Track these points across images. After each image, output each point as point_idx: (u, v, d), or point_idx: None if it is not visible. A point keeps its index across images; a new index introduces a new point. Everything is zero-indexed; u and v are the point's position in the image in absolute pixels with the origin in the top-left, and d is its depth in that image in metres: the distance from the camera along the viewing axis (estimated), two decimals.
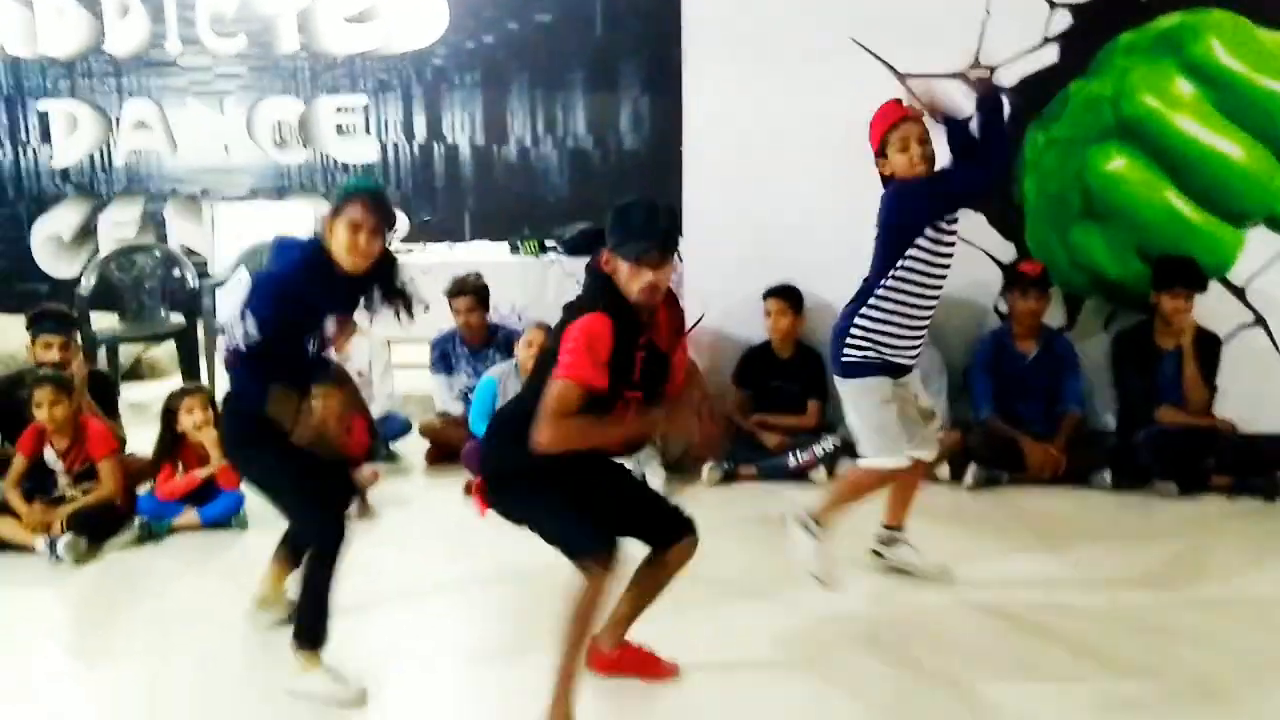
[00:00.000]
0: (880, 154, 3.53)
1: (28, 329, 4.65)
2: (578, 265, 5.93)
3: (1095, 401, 5.05)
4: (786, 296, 5.03)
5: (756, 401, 5.15)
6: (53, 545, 3.97)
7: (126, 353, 6.70)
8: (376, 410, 5.20)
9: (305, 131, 7.58)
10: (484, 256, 6.18)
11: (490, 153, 7.65)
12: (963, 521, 4.40)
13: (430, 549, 4.18)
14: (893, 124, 3.48)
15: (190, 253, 7.59)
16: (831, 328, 3.70)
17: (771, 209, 5.14)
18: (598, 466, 2.89)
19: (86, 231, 7.64)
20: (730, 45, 5.05)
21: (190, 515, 4.30)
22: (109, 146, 7.56)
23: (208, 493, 4.35)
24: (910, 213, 3.44)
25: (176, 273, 6.54)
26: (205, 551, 4.18)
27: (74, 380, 4.34)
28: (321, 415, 3.09)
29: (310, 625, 3.02)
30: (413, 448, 5.27)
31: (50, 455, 4.23)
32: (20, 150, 7.55)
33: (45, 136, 7.52)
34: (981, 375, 4.94)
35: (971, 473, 4.72)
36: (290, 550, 3.39)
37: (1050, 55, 4.87)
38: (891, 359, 3.49)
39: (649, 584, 2.96)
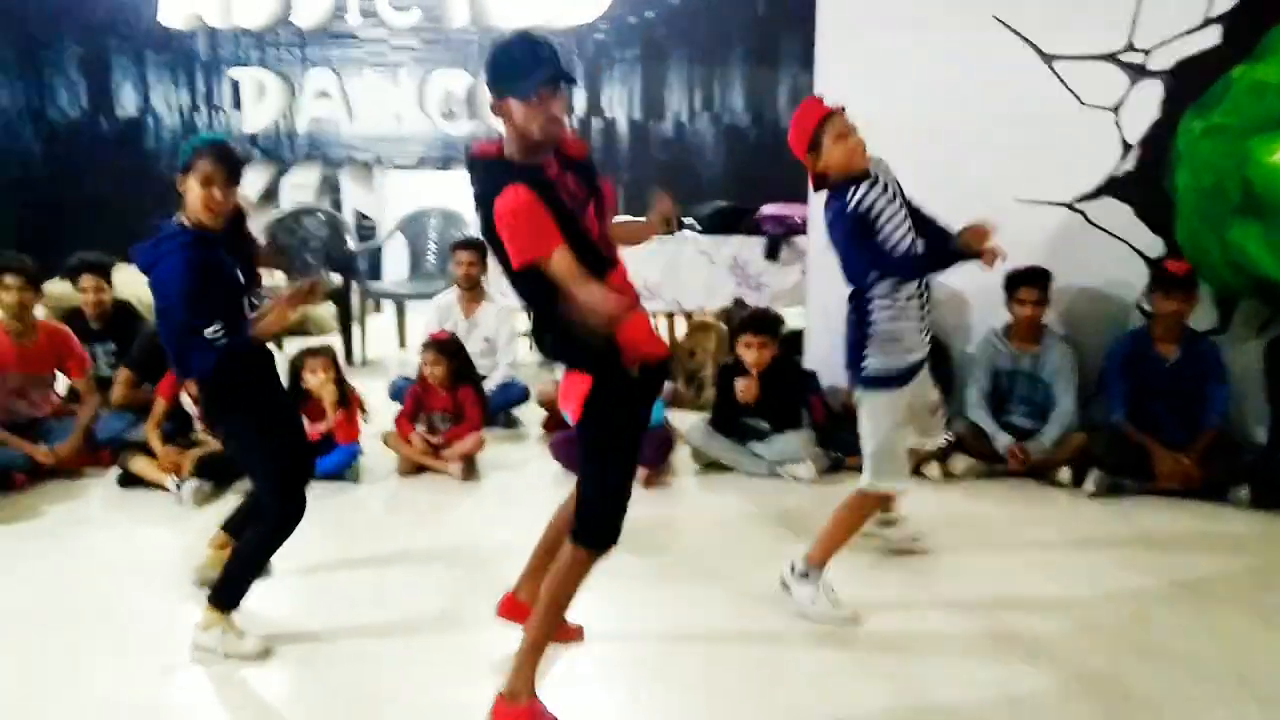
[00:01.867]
0: (811, 149, 3.29)
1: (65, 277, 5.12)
2: (712, 244, 5.95)
3: (1245, 413, 4.68)
4: None
5: None
6: (179, 487, 4.29)
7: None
8: (498, 377, 5.35)
9: (472, 104, 7.83)
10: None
11: (647, 128, 7.69)
12: (1075, 527, 4.16)
13: (532, 510, 4.29)
14: (824, 116, 3.27)
15: (363, 217, 8.01)
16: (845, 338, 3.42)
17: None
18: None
19: (270, 193, 8.14)
20: (864, 20, 4.90)
21: None
22: (292, 113, 8.01)
23: (327, 445, 4.59)
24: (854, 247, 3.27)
25: (339, 235, 6.89)
26: (319, 500, 4.35)
27: None
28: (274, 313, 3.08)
29: (232, 590, 3.10)
30: (533, 414, 5.41)
31: (187, 401, 4.56)
32: (214, 114, 8.09)
33: (236, 103, 8.04)
34: (1117, 376, 4.64)
35: (1094, 478, 4.45)
36: (237, 529, 3.46)
37: (1211, 37, 4.52)
38: (912, 360, 3.30)
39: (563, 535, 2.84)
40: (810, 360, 5.28)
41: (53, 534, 4.06)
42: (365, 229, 7.89)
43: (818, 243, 5.14)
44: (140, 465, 4.44)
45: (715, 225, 6.01)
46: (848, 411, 4.88)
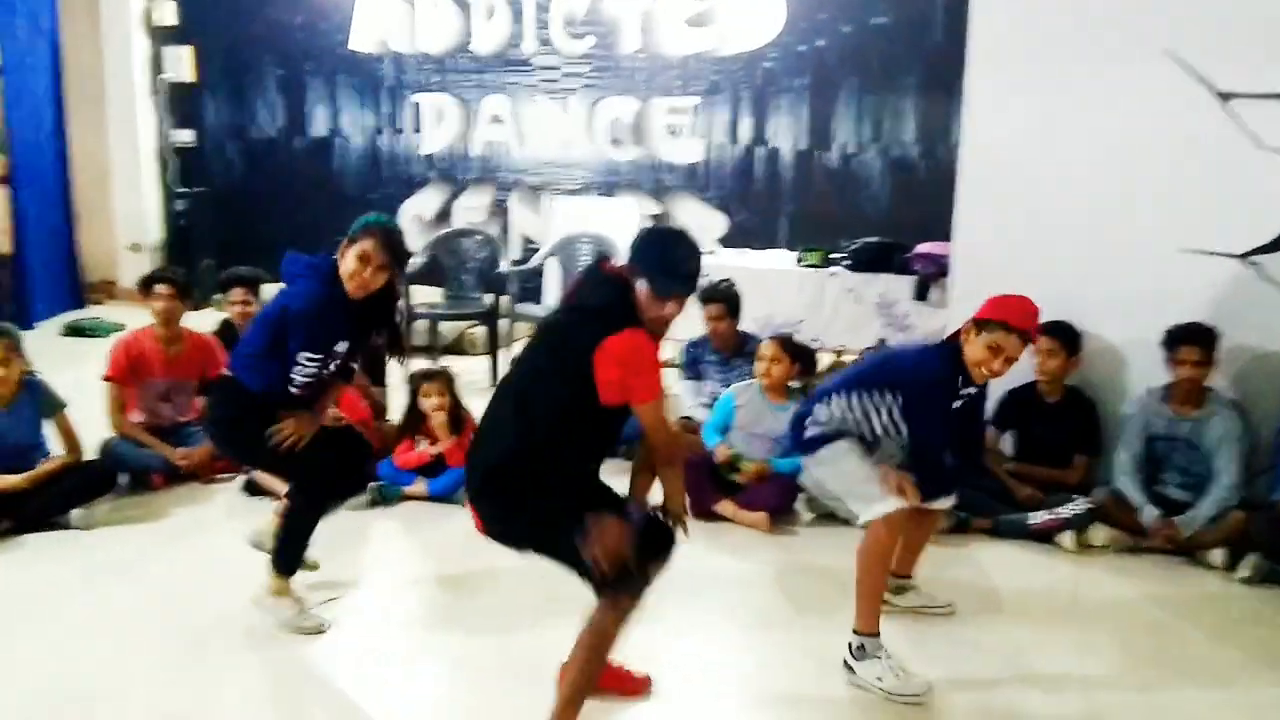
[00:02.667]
0: (978, 327, 3.14)
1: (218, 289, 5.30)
2: (859, 280, 5.72)
3: None
4: (1059, 334, 4.50)
5: (1017, 449, 4.68)
6: None
7: (452, 328, 7.26)
8: None
9: (638, 130, 7.83)
10: (769, 263, 6.08)
11: (812, 158, 7.49)
12: (1222, 616, 3.72)
13: None
14: (1023, 329, 3.13)
15: (528, 241, 8.13)
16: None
17: (1051, 235, 4.62)
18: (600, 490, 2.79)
19: (444, 214, 8.38)
20: (1019, 51, 4.58)
21: (420, 486, 4.61)
22: (467, 137, 8.23)
23: (439, 467, 4.63)
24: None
25: (494, 257, 6.99)
26: (425, 521, 4.45)
27: None
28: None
29: (285, 555, 3.40)
30: None
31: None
32: (397, 137, 8.41)
33: (417, 126, 8.33)
34: None
35: (1250, 563, 3.97)
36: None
37: None
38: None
39: None
40: None
41: (180, 536, 4.24)
42: (530, 252, 7.99)
43: (964, 286, 4.86)
44: (262, 474, 4.60)
45: (864, 262, 5.76)
46: (982, 469, 4.62)
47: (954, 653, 3.40)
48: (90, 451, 4.52)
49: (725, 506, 4.45)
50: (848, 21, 7.25)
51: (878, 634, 3.16)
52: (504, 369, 6.62)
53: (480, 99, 8.14)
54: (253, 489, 4.63)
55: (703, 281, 5.40)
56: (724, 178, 7.70)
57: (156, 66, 8.74)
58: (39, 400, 4.29)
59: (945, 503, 3.48)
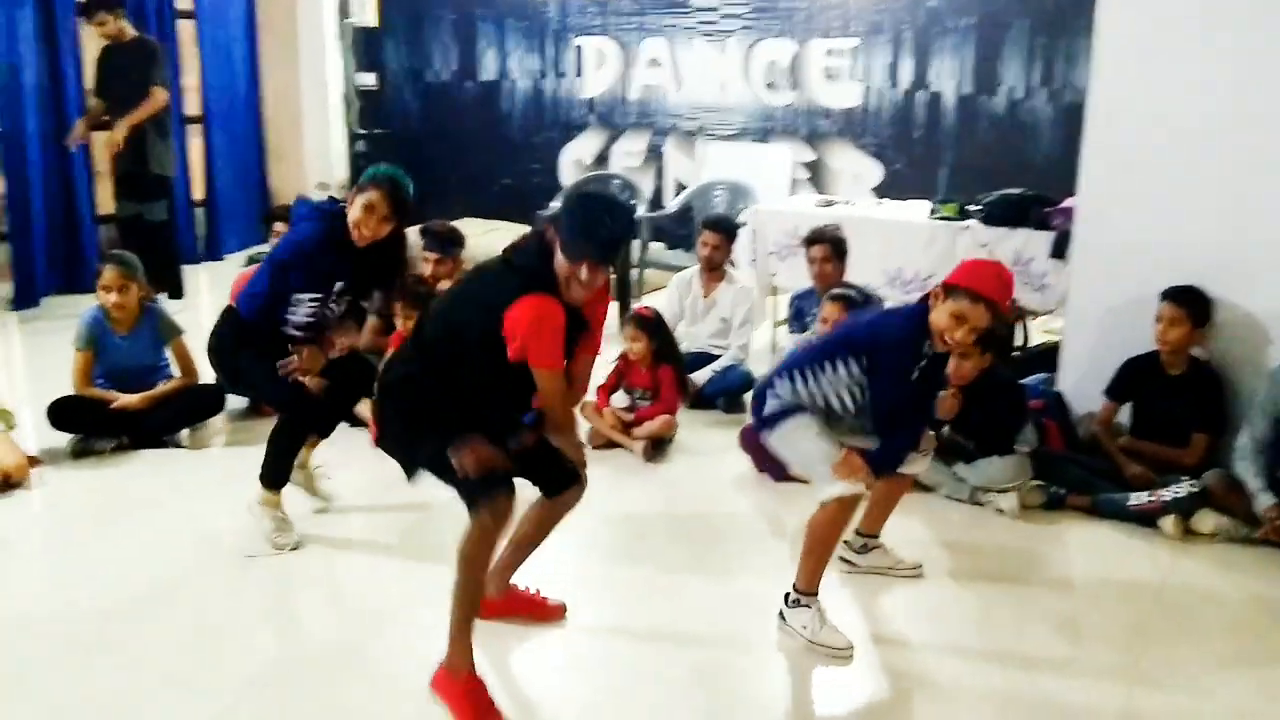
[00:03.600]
0: (946, 292, 2.94)
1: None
2: (993, 235, 5.35)
3: None
4: (1185, 302, 4.07)
5: (1134, 423, 4.30)
6: None
7: None
8: (726, 359, 5.16)
9: (794, 74, 7.57)
10: (901, 214, 5.77)
11: (976, 103, 7.03)
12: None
13: (691, 502, 4.16)
14: (991, 299, 2.91)
15: (682, 187, 8.04)
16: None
17: (1185, 192, 4.19)
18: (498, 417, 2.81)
19: (601, 159, 8.40)
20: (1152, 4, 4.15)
21: None
22: (627, 81, 8.19)
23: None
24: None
25: (631, 202, 6.96)
26: None
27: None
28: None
29: (270, 470, 3.65)
30: None
31: None
32: (559, 81, 8.47)
33: (579, 69, 8.36)
34: None
35: None
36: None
37: None
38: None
39: (534, 531, 3.04)
40: (1064, 379, 4.61)
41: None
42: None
43: (1086, 245, 4.48)
44: (362, 407, 4.77)
45: (999, 215, 5.37)
46: (1092, 444, 4.27)
47: (997, 632, 3.19)
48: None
49: None
50: None
51: (816, 594, 3.12)
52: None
53: (639, 41, 8.06)
54: (354, 419, 4.81)
55: (814, 226, 5.28)
56: (882, 124, 7.34)
57: (343, 11, 9.12)
58: (157, 326, 4.60)
59: (914, 467, 3.32)
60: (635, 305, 5.24)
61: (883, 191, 7.29)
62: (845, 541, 3.46)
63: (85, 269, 7.01)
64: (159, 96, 6.42)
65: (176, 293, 6.81)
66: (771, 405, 3.19)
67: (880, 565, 3.55)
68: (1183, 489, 3.86)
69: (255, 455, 4.43)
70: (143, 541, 3.71)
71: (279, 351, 3.56)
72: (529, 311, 2.55)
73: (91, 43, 6.79)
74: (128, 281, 4.45)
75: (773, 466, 4.29)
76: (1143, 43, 4.21)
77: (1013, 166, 6.80)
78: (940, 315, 2.92)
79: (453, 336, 2.72)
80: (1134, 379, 4.26)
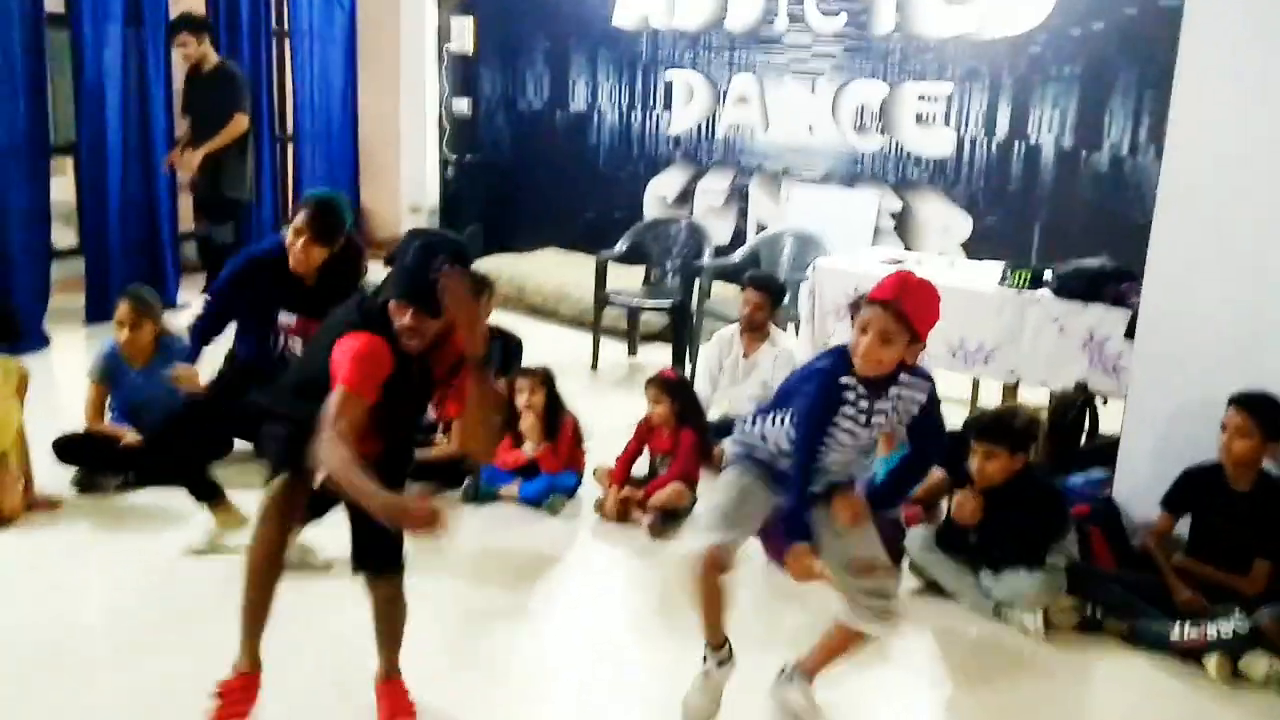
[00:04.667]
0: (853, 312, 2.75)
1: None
2: (1065, 310, 4.90)
3: None
4: (1256, 410, 3.60)
5: (1191, 541, 3.82)
6: None
7: (657, 317, 7.05)
8: None
9: (885, 117, 7.19)
10: (970, 280, 5.35)
11: (1076, 158, 6.53)
12: None
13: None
14: (882, 299, 2.66)
15: (763, 228, 7.74)
16: None
17: (1266, 281, 3.70)
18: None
19: (685, 196, 8.16)
20: (1237, 36, 3.70)
21: (513, 488, 4.47)
22: (714, 118, 7.93)
23: (533, 471, 4.47)
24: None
25: (698, 247, 6.69)
26: (508, 524, 4.31)
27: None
28: None
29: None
30: None
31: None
32: (648, 115, 8.27)
33: (667, 104, 8.14)
34: None
35: None
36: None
37: None
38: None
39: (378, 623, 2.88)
40: (1120, 483, 4.16)
41: None
42: None
43: (1151, 322, 4.04)
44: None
45: (1073, 288, 4.91)
46: (1144, 558, 3.83)
47: None
48: None
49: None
50: (1131, 3, 6.20)
51: (719, 645, 2.98)
52: (697, 363, 6.38)
53: (729, 77, 7.79)
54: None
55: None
56: (975, 174, 6.90)
57: (443, 36, 9.12)
58: (173, 360, 4.55)
59: (869, 624, 2.87)
60: (664, 368, 4.97)
61: (972, 245, 6.86)
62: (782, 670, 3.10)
63: (164, 285, 7.15)
64: (238, 123, 6.56)
65: None
66: (730, 449, 2.99)
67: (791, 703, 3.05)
68: (1230, 626, 3.38)
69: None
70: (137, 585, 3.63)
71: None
72: (350, 341, 2.51)
73: (184, 62, 6.92)
74: (140, 318, 4.42)
75: (779, 555, 3.97)
76: (1225, 105, 3.77)
77: (1112, 228, 6.29)
78: (852, 332, 2.68)
79: (309, 375, 2.67)
80: (1194, 491, 3.79)
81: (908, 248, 7.05)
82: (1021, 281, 5.13)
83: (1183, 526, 3.86)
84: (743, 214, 7.87)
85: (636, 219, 8.18)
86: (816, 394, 2.72)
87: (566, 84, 8.64)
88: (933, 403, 2.79)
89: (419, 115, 9.29)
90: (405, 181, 9.42)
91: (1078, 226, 6.49)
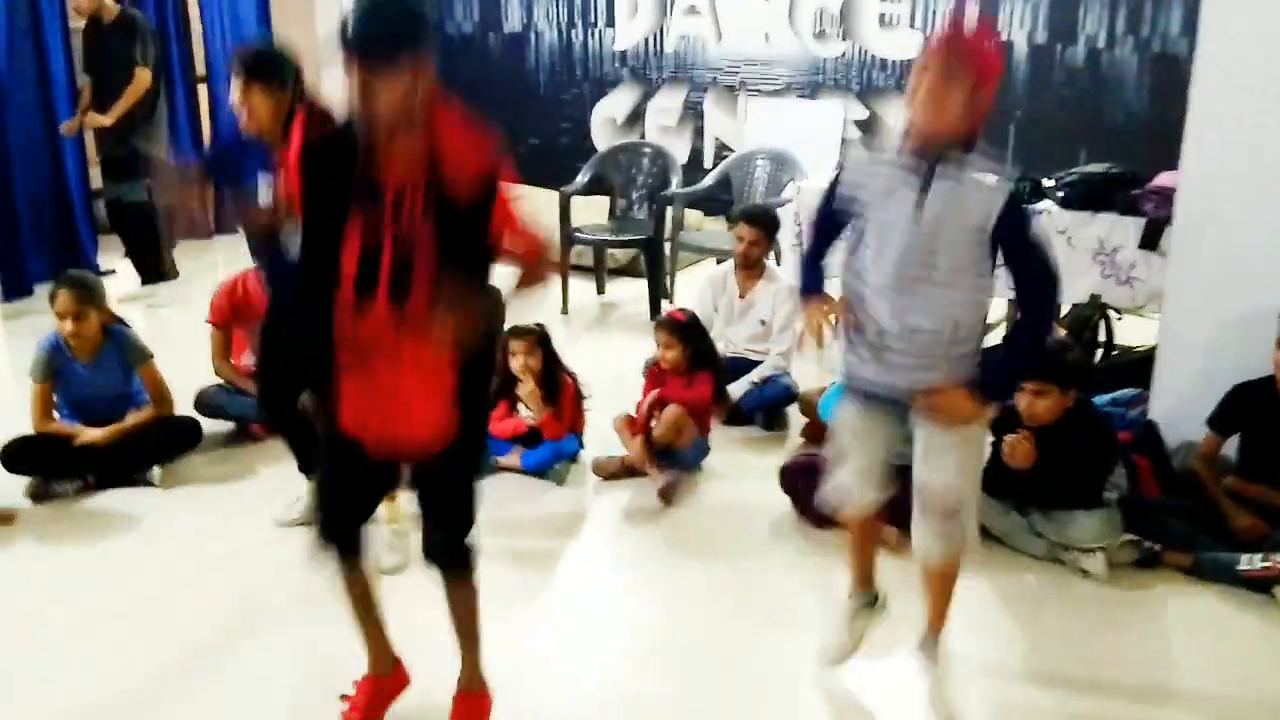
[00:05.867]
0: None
1: None
2: (1073, 220, 4.66)
3: None
4: None
5: (1243, 460, 3.65)
6: None
7: (623, 250, 6.69)
8: (765, 369, 4.56)
9: (846, 21, 6.82)
10: None
11: (1052, 54, 6.25)
12: None
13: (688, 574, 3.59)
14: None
15: (722, 147, 7.39)
16: None
17: None
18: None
19: (635, 116, 7.73)
20: None
21: (514, 458, 4.14)
22: (662, 32, 7.48)
23: (535, 439, 4.14)
24: None
25: (666, 174, 6.32)
26: (510, 496, 3.98)
27: None
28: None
29: None
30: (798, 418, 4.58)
31: None
32: (589, 32, 7.78)
33: (610, 19, 7.66)
34: None
35: None
36: None
37: None
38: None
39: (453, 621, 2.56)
40: (1157, 404, 3.96)
41: (261, 501, 3.95)
42: (724, 160, 7.23)
43: (1188, 234, 3.82)
44: None
45: (1080, 197, 4.66)
46: (1188, 481, 3.65)
47: None
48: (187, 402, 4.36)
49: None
50: None
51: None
52: (673, 297, 6.06)
53: None
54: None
55: None
56: None
57: None
58: (124, 350, 4.11)
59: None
60: (668, 307, 4.61)
61: None
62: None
63: (80, 251, 6.61)
64: (141, 79, 6.01)
65: (166, 275, 6.42)
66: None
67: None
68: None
69: (241, 491, 4.02)
70: (115, 607, 3.23)
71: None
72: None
73: (78, 15, 6.29)
74: (84, 306, 3.95)
75: (816, 511, 3.72)
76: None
77: (1091, 127, 6.08)
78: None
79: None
80: (1244, 409, 3.60)
81: None
82: (1022, 193, 4.87)
83: (1229, 447, 3.69)
84: (699, 133, 7.49)
85: (584, 144, 7.78)
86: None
87: (498, 3, 8.09)
88: (1021, 217, 2.36)
89: (334, 48, 8.65)
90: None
91: (1054, 126, 6.25)
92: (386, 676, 2.65)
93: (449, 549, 2.48)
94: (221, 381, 4.46)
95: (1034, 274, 2.39)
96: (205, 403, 4.40)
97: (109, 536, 3.71)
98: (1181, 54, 5.88)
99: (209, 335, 4.51)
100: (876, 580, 2.89)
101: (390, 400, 2.21)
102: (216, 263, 7.07)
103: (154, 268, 6.34)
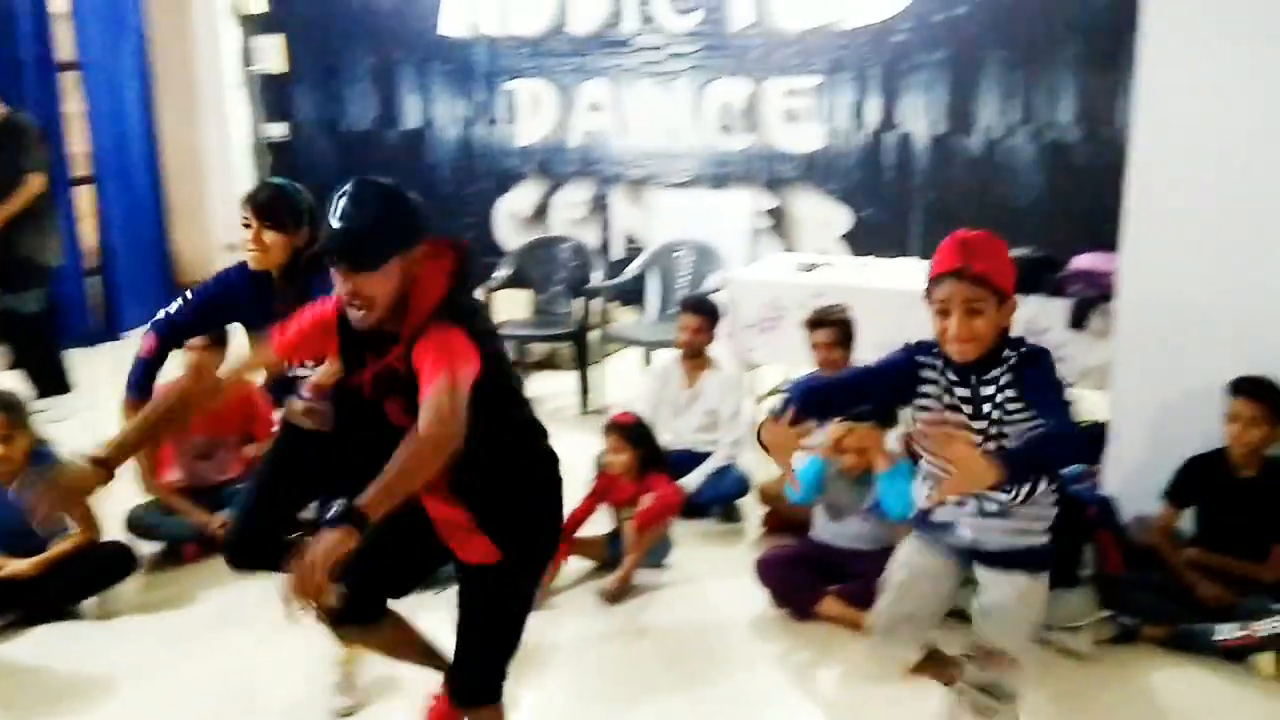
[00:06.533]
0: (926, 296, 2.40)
1: None
2: None
3: None
4: (1261, 396, 3.56)
5: (1200, 531, 3.77)
6: None
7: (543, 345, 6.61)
8: (717, 460, 4.52)
9: (751, 116, 6.99)
10: (896, 281, 5.20)
11: (950, 144, 6.53)
12: None
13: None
14: (952, 270, 2.35)
15: (630, 241, 7.42)
16: None
17: (1256, 259, 3.67)
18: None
19: (540, 211, 7.72)
20: (1199, 23, 3.65)
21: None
22: (565, 128, 7.53)
23: None
24: None
25: (585, 266, 6.30)
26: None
27: None
28: None
29: None
30: (754, 508, 4.55)
31: None
32: (491, 128, 7.77)
33: (511, 116, 7.67)
34: None
35: None
36: None
37: None
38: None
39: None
40: (1111, 479, 4.07)
41: (210, 627, 3.71)
42: (633, 252, 7.27)
43: (1130, 311, 3.97)
44: None
45: None
46: (1146, 555, 3.74)
47: None
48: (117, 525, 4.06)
49: (831, 606, 3.66)
50: None
51: None
52: (596, 389, 6.00)
53: (578, 84, 7.40)
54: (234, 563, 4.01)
55: (813, 303, 4.71)
56: (848, 168, 6.79)
57: (247, 58, 8.31)
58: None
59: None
60: (604, 403, 4.54)
61: (852, 240, 6.76)
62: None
63: None
64: (33, 184, 5.66)
65: (62, 388, 6.03)
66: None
67: None
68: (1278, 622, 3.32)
69: (179, 621, 3.77)
70: None
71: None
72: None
73: None
74: (11, 429, 3.68)
75: (796, 600, 3.69)
76: (1199, 72, 3.68)
77: (993, 212, 6.31)
78: (933, 322, 2.37)
79: None
80: (1199, 481, 3.73)
81: (788, 248, 6.89)
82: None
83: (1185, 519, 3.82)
84: (606, 226, 7.51)
85: (486, 240, 7.72)
86: (883, 360, 2.50)
87: (395, 100, 8.01)
88: (1043, 372, 2.36)
89: (224, 144, 8.45)
90: (216, 218, 8.52)
91: (957, 213, 6.47)
92: None
93: (468, 687, 2.35)
94: (150, 500, 4.19)
95: (1060, 430, 2.38)
96: (137, 524, 4.12)
97: (43, 677, 3.39)
98: (1071, 143, 6.23)
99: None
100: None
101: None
102: (108, 371, 6.69)
103: (52, 380, 5.95)
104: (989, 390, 2.37)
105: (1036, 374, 2.34)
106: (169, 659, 3.51)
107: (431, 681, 2.62)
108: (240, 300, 3.19)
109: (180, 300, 3.31)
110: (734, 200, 7.01)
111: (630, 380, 6.33)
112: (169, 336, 3.32)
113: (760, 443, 2.41)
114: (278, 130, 8.39)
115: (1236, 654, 3.37)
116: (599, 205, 7.52)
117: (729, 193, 7.07)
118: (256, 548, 3.15)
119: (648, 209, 7.32)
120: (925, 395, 2.44)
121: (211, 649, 3.57)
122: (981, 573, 2.53)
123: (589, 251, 6.35)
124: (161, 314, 3.31)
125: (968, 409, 2.40)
